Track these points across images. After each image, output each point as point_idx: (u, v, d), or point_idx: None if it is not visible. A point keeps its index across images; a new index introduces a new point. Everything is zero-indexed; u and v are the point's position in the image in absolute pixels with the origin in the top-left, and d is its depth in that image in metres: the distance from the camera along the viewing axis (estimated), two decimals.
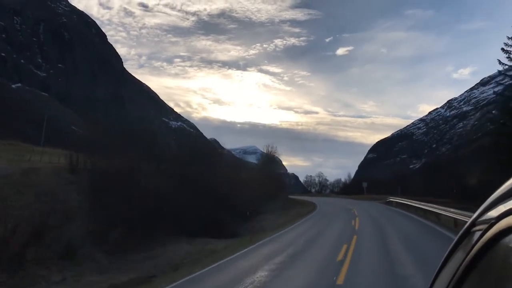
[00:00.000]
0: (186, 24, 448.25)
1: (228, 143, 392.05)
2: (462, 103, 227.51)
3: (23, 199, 19.18)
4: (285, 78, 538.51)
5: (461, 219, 19.22)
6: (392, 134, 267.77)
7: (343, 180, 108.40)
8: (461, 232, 1.30)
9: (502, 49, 29.91)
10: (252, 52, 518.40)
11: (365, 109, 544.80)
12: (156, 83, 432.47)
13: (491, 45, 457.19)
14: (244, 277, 11.04)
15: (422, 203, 30.86)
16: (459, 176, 45.64)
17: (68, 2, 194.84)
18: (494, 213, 1.05)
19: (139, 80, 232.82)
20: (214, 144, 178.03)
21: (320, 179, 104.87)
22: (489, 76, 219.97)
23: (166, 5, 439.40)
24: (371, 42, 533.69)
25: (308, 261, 13.02)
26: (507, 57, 30.07)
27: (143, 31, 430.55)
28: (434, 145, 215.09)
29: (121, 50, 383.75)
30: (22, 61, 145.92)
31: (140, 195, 21.85)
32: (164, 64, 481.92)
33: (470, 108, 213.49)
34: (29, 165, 27.08)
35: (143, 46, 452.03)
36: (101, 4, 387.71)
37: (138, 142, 29.57)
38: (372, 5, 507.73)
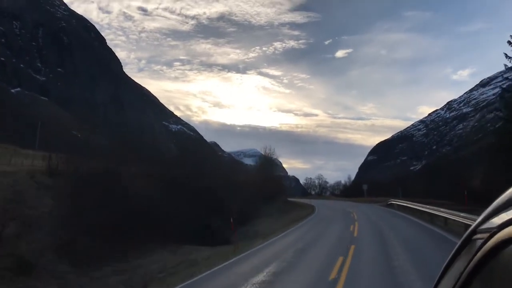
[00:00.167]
0: (185, 27, 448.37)
1: (228, 146, 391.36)
2: (461, 104, 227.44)
3: None
4: (285, 81, 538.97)
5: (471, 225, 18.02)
6: (392, 136, 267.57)
7: (343, 182, 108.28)
8: (462, 239, 1.28)
9: (509, 42, 29.61)
10: (251, 55, 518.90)
11: (365, 111, 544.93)
12: (156, 86, 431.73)
13: (490, 46, 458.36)
14: None
15: (427, 206, 28.79)
16: (461, 178, 45.25)
17: (67, 7, 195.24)
18: (496, 221, 1.04)
19: (139, 84, 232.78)
20: (213, 147, 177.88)
21: (320, 181, 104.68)
22: (488, 77, 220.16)
23: (165, 9, 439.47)
24: (370, 44, 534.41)
25: (294, 281, 11.06)
26: None
27: (143, 35, 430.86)
28: (434, 147, 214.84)
29: (120, 54, 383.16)
30: (21, 65, 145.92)
31: (123, 200, 20.56)
32: (164, 67, 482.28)
33: (470, 109, 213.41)
34: (4, 168, 24.40)
35: (143, 50, 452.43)
36: (100, 8, 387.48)
37: (135, 145, 29.21)
38: (370, 7, 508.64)
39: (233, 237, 23.42)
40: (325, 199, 74.92)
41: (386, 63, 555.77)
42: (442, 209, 24.16)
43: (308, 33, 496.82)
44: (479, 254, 1.07)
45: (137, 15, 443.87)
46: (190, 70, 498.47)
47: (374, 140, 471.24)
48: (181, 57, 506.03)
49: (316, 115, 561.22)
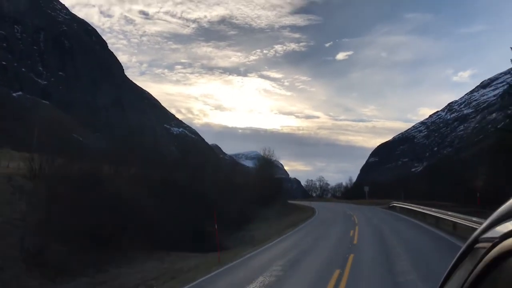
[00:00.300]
0: (186, 31, 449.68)
1: (230, 148, 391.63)
2: (462, 106, 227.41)
3: None
4: (286, 83, 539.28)
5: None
6: (394, 138, 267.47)
7: (344, 184, 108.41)
8: (464, 248, 1.27)
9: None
10: (252, 58, 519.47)
11: (366, 113, 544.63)
12: (158, 90, 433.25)
13: (491, 48, 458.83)
14: None
15: (433, 209, 27.11)
16: (464, 179, 45.10)
17: (69, 11, 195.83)
18: (498, 231, 1.03)
19: (140, 87, 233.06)
20: (214, 150, 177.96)
21: (321, 183, 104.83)
22: (489, 79, 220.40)
23: (166, 13, 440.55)
24: (370, 47, 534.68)
25: None
26: None
27: (144, 38, 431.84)
28: (435, 148, 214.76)
29: (122, 58, 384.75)
30: (23, 69, 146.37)
31: (110, 205, 19.31)
32: (165, 71, 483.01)
33: (471, 110, 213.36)
34: None
35: (144, 53, 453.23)
36: (101, 12, 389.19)
37: (133, 147, 28.73)
38: (371, 10, 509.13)
39: (229, 241, 22.41)
40: (326, 201, 74.85)
41: (386, 65, 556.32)
42: (450, 213, 22.49)
43: (309, 36, 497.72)
44: (482, 264, 1.07)
45: (138, 19, 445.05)
46: (192, 73, 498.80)
47: (375, 142, 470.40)
48: (183, 60, 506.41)
49: (317, 117, 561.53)
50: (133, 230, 19.29)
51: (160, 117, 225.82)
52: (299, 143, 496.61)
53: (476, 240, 1.19)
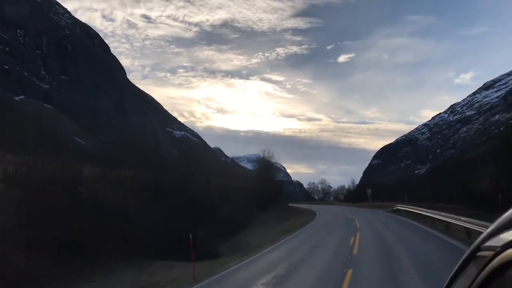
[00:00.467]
0: (188, 35, 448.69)
1: (232, 151, 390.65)
2: (465, 107, 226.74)
3: None
4: (288, 86, 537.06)
5: None
6: (396, 140, 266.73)
7: (346, 186, 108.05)
8: (465, 255, 1.26)
9: None
10: (254, 61, 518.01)
11: (368, 115, 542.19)
12: (160, 93, 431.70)
13: (493, 49, 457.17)
14: None
15: (442, 213, 25.45)
16: (468, 181, 44.63)
17: (71, 15, 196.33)
18: (500, 239, 1.02)
19: (142, 91, 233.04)
20: (217, 153, 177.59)
21: (323, 186, 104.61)
22: (491, 80, 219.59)
23: (168, 17, 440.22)
24: (372, 49, 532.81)
25: None
26: None
27: (146, 42, 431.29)
28: (438, 150, 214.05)
29: (124, 62, 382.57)
30: (25, 73, 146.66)
31: (88, 210, 18.02)
32: (168, 74, 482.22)
33: (473, 112, 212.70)
34: None
35: (147, 57, 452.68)
36: (104, 17, 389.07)
37: (130, 150, 28.10)
38: (372, 12, 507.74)
39: (223, 248, 20.97)
40: (327, 205, 74.34)
41: (388, 67, 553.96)
42: (463, 218, 20.50)
43: (311, 39, 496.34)
44: (484, 273, 1.06)
45: (140, 23, 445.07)
46: (194, 76, 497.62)
47: (377, 144, 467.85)
48: (185, 64, 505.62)
49: (319, 119, 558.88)
50: (117, 237, 17.86)
51: (163, 121, 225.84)
52: (301, 146, 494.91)
53: (478, 248, 1.18)
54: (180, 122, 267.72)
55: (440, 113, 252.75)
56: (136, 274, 16.51)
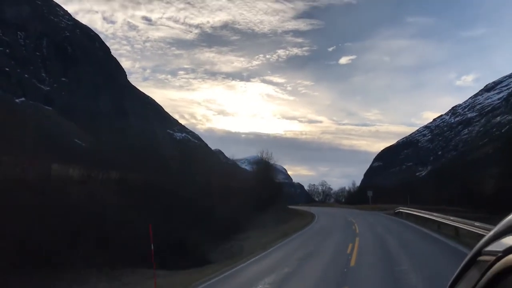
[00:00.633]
0: (189, 36, 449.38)
1: (233, 153, 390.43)
2: (466, 109, 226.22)
3: None
4: (289, 88, 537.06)
5: None
6: (397, 142, 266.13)
7: (347, 188, 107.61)
8: (466, 259, 1.25)
9: None
10: (255, 63, 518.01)
11: (369, 117, 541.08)
12: (161, 95, 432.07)
13: (494, 51, 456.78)
14: None
15: (451, 218, 23.77)
16: (470, 183, 44.32)
17: (72, 17, 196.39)
18: (501, 244, 1.01)
19: (143, 93, 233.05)
20: (218, 155, 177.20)
21: (324, 187, 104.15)
22: (493, 82, 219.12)
23: (169, 19, 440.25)
24: (373, 51, 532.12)
25: None
26: None
27: (147, 44, 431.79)
28: (440, 152, 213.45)
29: (125, 64, 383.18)
30: (25, 75, 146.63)
31: (62, 214, 16.79)
32: (169, 76, 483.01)
33: (475, 114, 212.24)
34: None
35: (147, 59, 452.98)
36: (104, 19, 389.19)
37: (126, 151, 27.68)
38: (373, 14, 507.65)
39: (215, 253, 19.74)
40: (328, 207, 73.86)
41: (389, 69, 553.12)
42: (477, 223, 18.86)
43: (312, 40, 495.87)
44: (485, 278, 1.05)
45: (141, 25, 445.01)
46: (195, 78, 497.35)
47: (379, 146, 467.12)
48: (186, 66, 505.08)
49: (321, 121, 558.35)
50: (93, 244, 16.52)
51: (163, 123, 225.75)
52: (303, 148, 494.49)
53: (479, 253, 1.17)
54: (181, 124, 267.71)
55: (441, 115, 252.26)
56: (110, 285, 15.17)
